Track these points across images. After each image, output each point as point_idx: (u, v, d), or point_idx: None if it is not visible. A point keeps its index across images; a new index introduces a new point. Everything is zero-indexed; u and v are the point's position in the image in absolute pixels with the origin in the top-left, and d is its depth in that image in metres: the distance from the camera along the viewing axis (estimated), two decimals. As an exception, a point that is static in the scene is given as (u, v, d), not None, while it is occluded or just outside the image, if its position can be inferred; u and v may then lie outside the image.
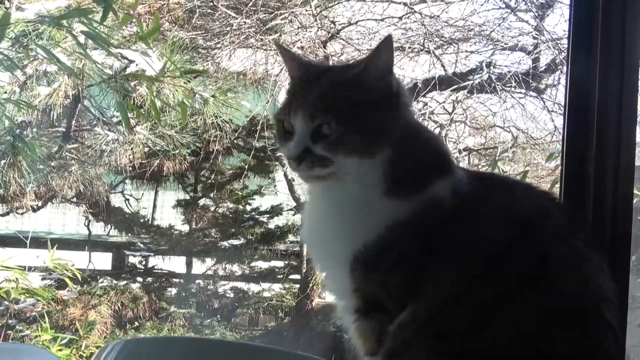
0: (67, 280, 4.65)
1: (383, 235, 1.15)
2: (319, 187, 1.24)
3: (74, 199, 5.27)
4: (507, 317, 1.09)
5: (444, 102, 5.12)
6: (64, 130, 3.95)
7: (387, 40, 1.20)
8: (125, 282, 5.46)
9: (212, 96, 3.33)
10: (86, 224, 5.68)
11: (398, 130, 1.19)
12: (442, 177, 1.19)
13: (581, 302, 1.11)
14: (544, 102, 5.16)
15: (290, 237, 5.61)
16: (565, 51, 4.66)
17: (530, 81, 4.99)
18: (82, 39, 2.51)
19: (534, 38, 5.06)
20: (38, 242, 5.04)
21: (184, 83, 3.05)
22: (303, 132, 1.17)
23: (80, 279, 4.76)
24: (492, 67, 5.04)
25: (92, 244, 5.68)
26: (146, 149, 4.20)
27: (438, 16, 5.02)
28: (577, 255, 1.15)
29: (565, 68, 4.79)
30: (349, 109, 1.17)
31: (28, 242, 4.94)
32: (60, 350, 4.22)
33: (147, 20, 3.71)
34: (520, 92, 5.11)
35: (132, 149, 3.83)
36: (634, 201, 1.52)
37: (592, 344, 1.10)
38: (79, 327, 4.48)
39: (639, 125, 1.62)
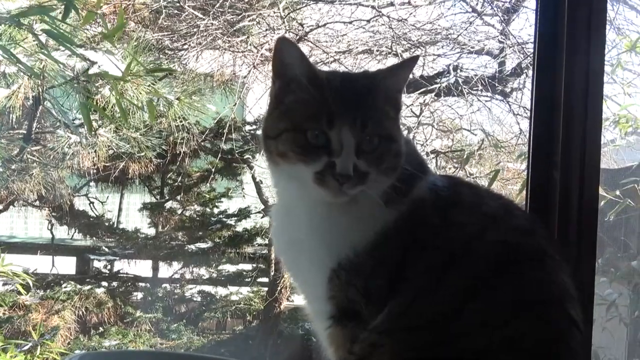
0: (19, 286, 4.49)
1: (373, 240, 1.15)
2: (304, 195, 1.19)
3: (37, 202, 5.15)
4: (474, 306, 1.10)
5: (412, 104, 5.14)
6: (25, 132, 3.85)
7: (414, 60, 1.24)
8: (89, 286, 5.35)
9: (177, 99, 3.27)
10: (49, 227, 5.56)
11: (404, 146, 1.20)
12: (421, 177, 1.21)
13: (545, 294, 1.12)
14: (509, 105, 5.21)
15: (259, 240, 5.57)
16: (530, 56, 4.72)
17: (496, 85, 5.04)
18: (43, 38, 2.45)
19: (500, 42, 5.11)
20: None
21: (150, 85, 2.99)
22: (351, 147, 1.11)
23: (31, 285, 4.60)
24: (459, 71, 5.07)
25: (55, 248, 5.56)
26: (110, 152, 4.12)
27: (406, 19, 5.04)
28: (541, 251, 1.17)
29: (530, 72, 4.86)
30: (385, 122, 1.16)
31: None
32: (15, 356, 4.09)
33: (112, 21, 3.64)
34: (487, 96, 5.16)
35: (95, 151, 3.75)
36: (600, 204, 1.54)
37: (555, 336, 1.11)
38: (34, 333, 4.33)
39: (604, 130, 1.64)
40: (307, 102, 1.17)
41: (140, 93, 2.76)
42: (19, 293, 4.91)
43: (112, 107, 2.77)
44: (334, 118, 1.13)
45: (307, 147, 1.14)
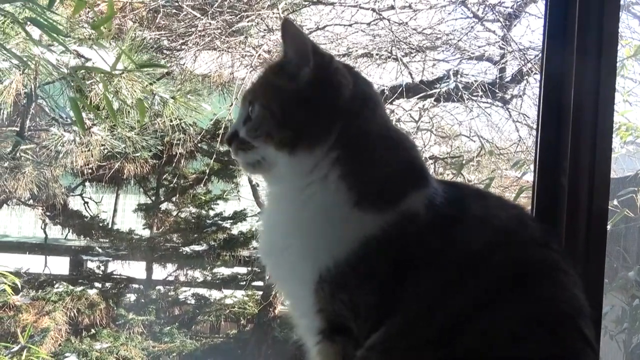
0: (7, 287, 4.38)
1: (355, 251, 1.07)
2: (279, 194, 1.18)
3: (30, 201, 5.09)
4: (481, 325, 1.03)
5: (411, 109, 5.10)
6: (17, 130, 3.78)
7: (284, 25, 1.18)
8: (82, 287, 5.29)
9: (172, 97, 3.22)
10: (43, 227, 5.50)
11: (335, 131, 1.12)
12: (416, 189, 1.12)
13: (558, 311, 1.07)
14: (509, 112, 5.17)
15: (254, 244, 5.52)
16: (531, 62, 4.68)
17: (496, 91, 5.00)
18: (36, 35, 2.39)
19: (501, 48, 5.07)
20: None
21: (147, 85, 2.93)
22: (240, 115, 1.20)
23: (20, 286, 4.49)
24: (458, 76, 5.03)
25: (48, 247, 5.51)
26: (105, 151, 4.06)
27: (406, 23, 5.00)
28: (554, 265, 1.11)
29: (531, 79, 4.83)
30: (272, 93, 1.16)
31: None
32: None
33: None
34: (486, 102, 5.12)
35: (89, 150, 3.68)
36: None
37: (568, 356, 1.05)
38: (21, 337, 4.21)
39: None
40: None
41: (135, 91, 2.71)
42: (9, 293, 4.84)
43: (104, 105, 2.71)
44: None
45: None
